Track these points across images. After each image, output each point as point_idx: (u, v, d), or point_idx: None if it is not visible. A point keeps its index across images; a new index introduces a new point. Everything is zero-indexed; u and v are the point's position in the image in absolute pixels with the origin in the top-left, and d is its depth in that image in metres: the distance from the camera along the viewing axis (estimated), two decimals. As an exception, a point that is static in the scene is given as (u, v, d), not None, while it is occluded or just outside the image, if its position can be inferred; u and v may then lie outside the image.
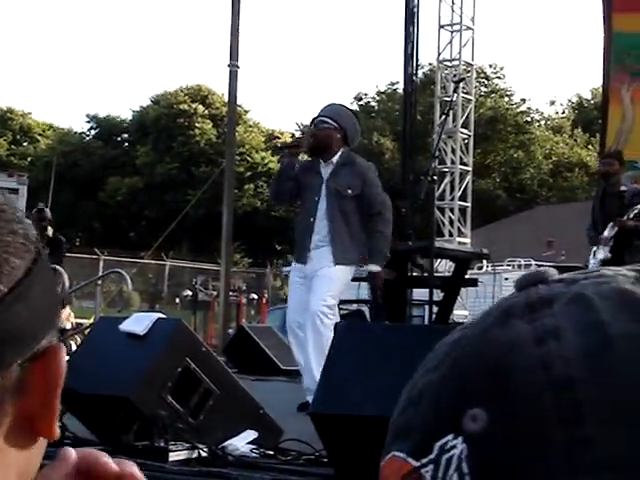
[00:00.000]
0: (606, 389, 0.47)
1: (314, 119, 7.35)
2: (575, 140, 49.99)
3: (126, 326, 5.21)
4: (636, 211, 8.52)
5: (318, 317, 6.57)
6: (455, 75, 17.34)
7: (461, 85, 17.53)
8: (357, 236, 7.01)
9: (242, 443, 4.88)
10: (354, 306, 15.57)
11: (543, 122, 52.85)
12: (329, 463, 4.46)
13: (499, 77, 50.19)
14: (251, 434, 4.97)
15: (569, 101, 56.47)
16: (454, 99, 8.75)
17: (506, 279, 23.68)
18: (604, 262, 8.52)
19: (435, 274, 13.16)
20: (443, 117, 7.88)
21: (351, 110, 7.80)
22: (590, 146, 48.93)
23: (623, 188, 8.90)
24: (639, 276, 0.53)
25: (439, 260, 15.91)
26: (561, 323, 0.50)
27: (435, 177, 6.66)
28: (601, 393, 0.47)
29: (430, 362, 0.55)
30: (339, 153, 7.08)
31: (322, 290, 6.73)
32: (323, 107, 7.36)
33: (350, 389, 4.26)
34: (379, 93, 50.92)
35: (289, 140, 7.15)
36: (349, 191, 6.98)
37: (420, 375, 0.55)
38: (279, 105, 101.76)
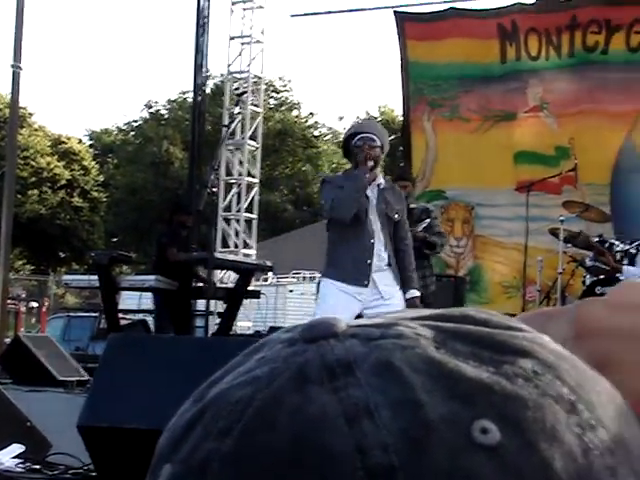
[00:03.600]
0: (428, 479, 0.43)
1: (357, 133, 6.95)
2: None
3: None
4: (424, 225, 8.90)
5: None
6: (237, 88, 17.41)
7: (249, 98, 17.64)
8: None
9: (7, 457, 4.73)
10: (139, 315, 15.42)
11: (331, 137, 53.82)
12: (97, 477, 4.38)
13: (287, 90, 50.82)
14: (17, 448, 4.82)
15: (357, 117, 57.78)
16: (236, 112, 8.77)
17: (290, 291, 23.98)
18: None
19: (220, 285, 13.16)
20: (225, 130, 7.88)
21: None
22: (375, 162, 50.16)
23: (413, 206, 9.25)
24: (436, 336, 0.48)
25: (225, 271, 15.92)
26: (372, 398, 0.45)
27: (215, 188, 6.66)
28: None
29: (213, 423, 0.47)
30: (381, 175, 6.96)
31: None
32: (363, 121, 7.07)
33: (120, 402, 4.19)
34: (170, 102, 50.59)
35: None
36: (396, 216, 6.94)
37: (201, 436, 0.47)
38: (67, 110, 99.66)
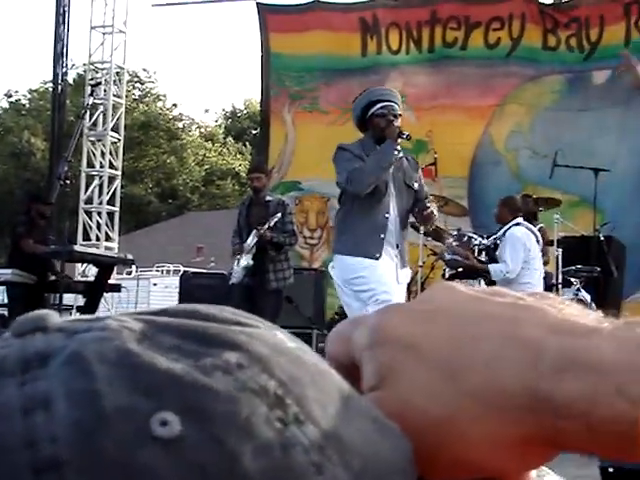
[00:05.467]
0: (96, 475, 0.42)
1: (377, 101, 6.55)
2: (227, 149, 51.06)
3: None
4: (275, 220, 8.86)
5: None
6: (92, 79, 17.16)
7: (111, 89, 17.40)
8: None
9: None
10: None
11: (196, 129, 53.60)
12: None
13: (152, 81, 50.40)
14: None
15: (223, 110, 57.70)
16: (90, 102, 8.63)
17: (154, 284, 23.81)
18: (247, 269, 8.77)
19: (80, 279, 12.92)
20: (80, 121, 7.76)
21: None
22: (240, 155, 50.18)
23: (269, 198, 9.26)
24: (146, 329, 0.47)
25: (87, 265, 15.65)
26: (54, 390, 0.44)
27: (68, 180, 6.53)
28: (90, 479, 0.42)
29: None
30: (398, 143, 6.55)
31: None
32: (380, 89, 6.74)
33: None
34: (31, 91, 49.65)
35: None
36: (415, 184, 6.59)
37: None
38: None
